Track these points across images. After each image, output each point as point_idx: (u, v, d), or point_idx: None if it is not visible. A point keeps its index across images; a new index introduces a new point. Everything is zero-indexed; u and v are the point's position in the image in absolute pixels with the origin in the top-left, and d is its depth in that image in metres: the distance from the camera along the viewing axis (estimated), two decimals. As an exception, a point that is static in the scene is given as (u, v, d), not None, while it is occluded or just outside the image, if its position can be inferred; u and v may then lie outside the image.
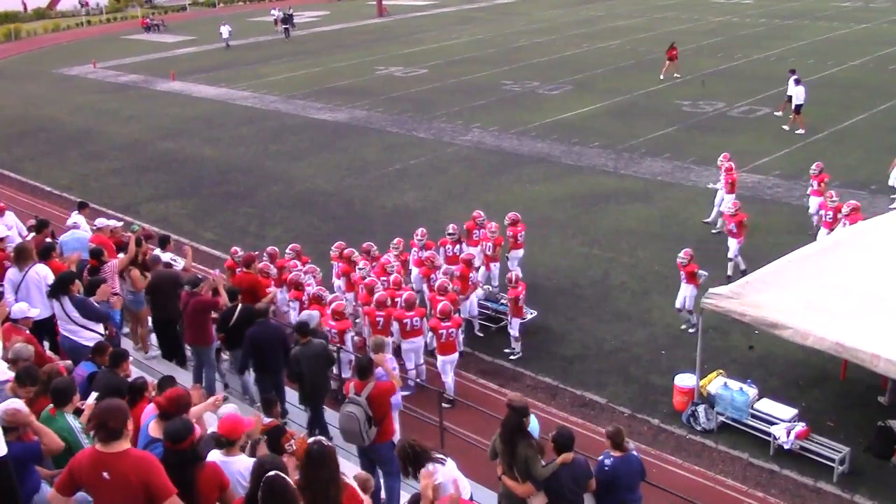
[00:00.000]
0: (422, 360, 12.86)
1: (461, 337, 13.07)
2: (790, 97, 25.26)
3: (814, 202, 17.13)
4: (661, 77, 32.80)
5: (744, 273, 15.20)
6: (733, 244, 15.73)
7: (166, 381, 7.77)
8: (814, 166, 17.58)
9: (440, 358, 12.39)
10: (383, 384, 8.80)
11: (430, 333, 12.68)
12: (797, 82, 24.84)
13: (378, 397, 8.60)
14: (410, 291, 13.13)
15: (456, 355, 12.51)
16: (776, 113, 26.17)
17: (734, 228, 15.60)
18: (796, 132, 24.95)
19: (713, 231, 18.06)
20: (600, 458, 7.81)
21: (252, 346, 10.60)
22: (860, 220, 14.41)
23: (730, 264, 15.78)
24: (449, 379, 12.46)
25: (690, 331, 13.86)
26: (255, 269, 12.97)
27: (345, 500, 5.81)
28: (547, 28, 49.39)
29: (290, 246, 15.00)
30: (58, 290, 9.65)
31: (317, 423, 10.59)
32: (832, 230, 15.11)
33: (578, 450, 8.71)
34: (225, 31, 48.72)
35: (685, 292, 13.84)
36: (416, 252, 15.06)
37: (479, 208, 19.89)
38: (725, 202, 17.76)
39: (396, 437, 9.06)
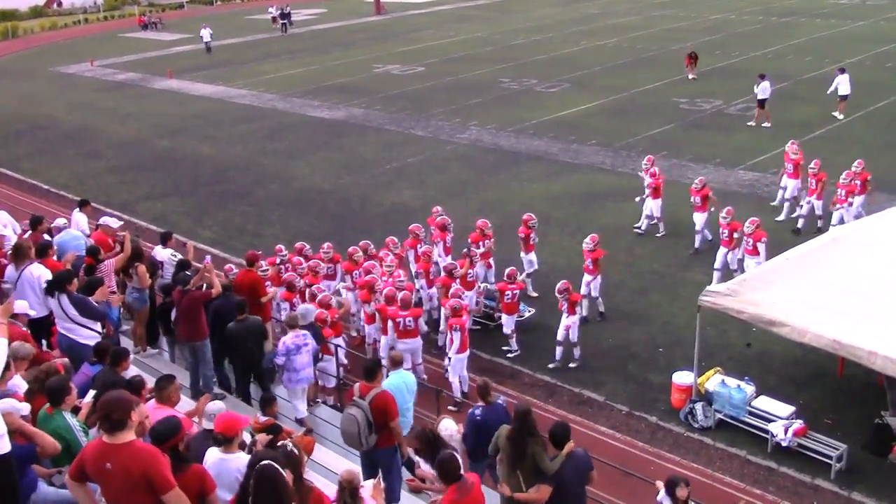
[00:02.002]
0: (419, 360, 12.84)
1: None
2: (845, 96, 25.72)
3: (698, 218, 16.78)
4: (692, 77, 32.55)
5: (601, 315, 14.67)
6: (590, 281, 14.38)
7: (165, 380, 7.76)
8: (696, 181, 17.02)
9: (457, 357, 12.30)
10: (388, 394, 8.63)
11: (446, 334, 12.71)
12: (763, 77, 25.40)
13: (381, 405, 8.46)
14: (406, 291, 13.12)
15: (468, 352, 12.52)
16: (835, 114, 26.17)
17: (590, 265, 14.23)
18: (762, 125, 25.46)
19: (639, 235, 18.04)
20: (471, 409, 8.99)
21: (214, 317, 11.14)
22: (764, 238, 14.24)
23: (585, 301, 14.35)
24: (456, 379, 12.42)
25: (573, 364, 13.38)
26: (257, 267, 12.98)
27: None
28: (544, 26, 49.36)
29: (327, 245, 14.90)
30: (55, 288, 9.63)
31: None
32: (732, 249, 14.84)
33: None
34: (206, 34, 46.37)
35: (567, 322, 13.03)
36: (420, 247, 15.05)
37: (476, 206, 19.99)
38: (653, 207, 17.67)
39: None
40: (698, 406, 11.71)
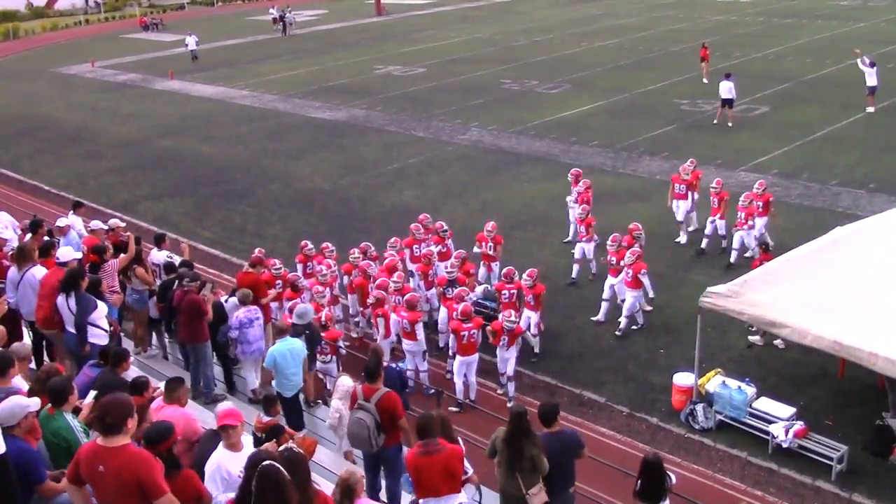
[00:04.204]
0: (424, 367, 12.78)
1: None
2: (873, 87, 26.15)
3: (586, 248, 15.89)
4: (705, 81, 31.68)
5: (536, 355, 13.65)
6: (530, 317, 13.35)
7: (175, 382, 7.82)
8: (580, 210, 16.18)
9: (459, 359, 12.24)
10: (394, 394, 8.72)
11: (451, 335, 12.63)
12: (727, 77, 25.74)
13: (387, 405, 8.54)
14: (413, 293, 13.12)
15: (476, 357, 12.33)
16: (869, 108, 26.56)
17: (531, 301, 13.27)
18: (715, 122, 25.82)
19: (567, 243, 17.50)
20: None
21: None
22: (643, 269, 13.55)
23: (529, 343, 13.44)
24: (460, 382, 12.36)
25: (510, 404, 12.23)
26: (259, 269, 12.99)
27: None
28: (545, 27, 49.37)
29: (362, 245, 14.78)
30: (69, 287, 9.62)
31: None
32: (618, 275, 14.13)
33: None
34: (191, 41, 44.17)
35: (506, 355, 12.36)
36: (417, 248, 15.05)
37: (477, 207, 20.01)
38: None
39: None
40: (699, 407, 11.70)
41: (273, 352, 10.38)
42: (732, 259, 16.03)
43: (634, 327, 14.25)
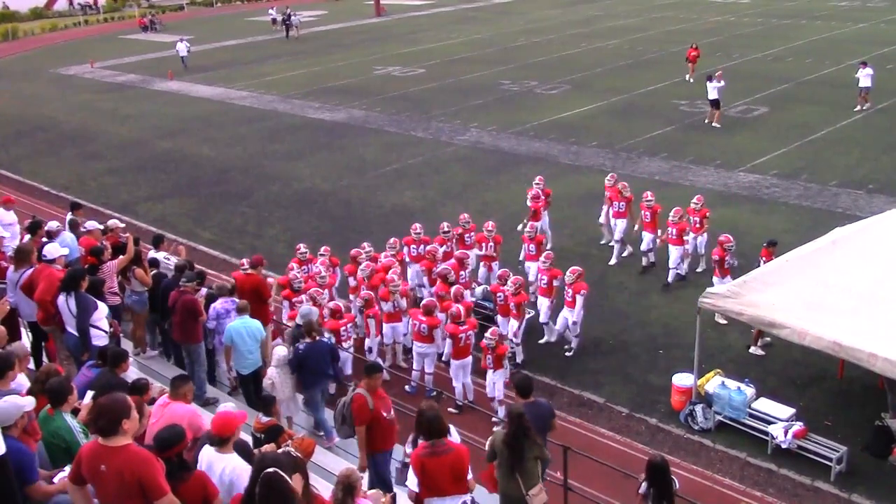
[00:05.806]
0: (430, 369, 12.71)
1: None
2: (866, 89, 26.51)
3: (532, 268, 15.07)
4: (690, 80, 31.88)
5: (516, 365, 13.16)
6: (517, 329, 13.05)
7: (180, 379, 7.83)
8: (528, 227, 15.62)
9: (454, 362, 12.21)
10: (360, 396, 8.61)
11: (447, 339, 12.59)
12: (710, 79, 25.80)
13: (354, 404, 8.59)
14: (430, 299, 13.10)
15: (470, 359, 12.26)
16: (858, 108, 26.76)
17: (514, 309, 12.83)
18: (713, 125, 25.92)
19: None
20: (297, 343, 10.50)
21: (164, 293, 11.65)
22: (584, 290, 13.12)
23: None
24: (459, 384, 12.35)
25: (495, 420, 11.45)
26: (260, 271, 13.01)
27: None
28: (545, 28, 49.39)
29: (362, 245, 14.78)
30: (69, 287, 9.62)
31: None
32: (551, 299, 13.63)
33: (580, 450, 8.79)
34: (182, 48, 42.40)
35: (493, 377, 11.88)
36: (415, 248, 15.06)
37: (477, 208, 20.01)
38: (538, 226, 16.12)
39: None
40: (698, 408, 11.70)
41: (230, 328, 10.72)
42: (670, 278, 15.54)
43: (567, 347, 13.85)
